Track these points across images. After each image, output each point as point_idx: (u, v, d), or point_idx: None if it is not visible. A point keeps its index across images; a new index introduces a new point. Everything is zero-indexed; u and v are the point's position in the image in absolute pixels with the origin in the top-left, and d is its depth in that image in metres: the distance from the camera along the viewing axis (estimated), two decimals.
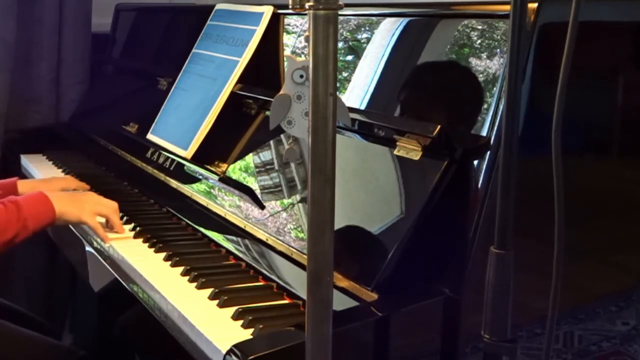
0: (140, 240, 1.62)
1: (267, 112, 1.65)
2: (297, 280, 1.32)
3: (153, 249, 1.56)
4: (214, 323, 1.22)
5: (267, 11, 1.87)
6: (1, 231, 1.49)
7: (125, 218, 1.72)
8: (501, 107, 1.17)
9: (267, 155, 1.63)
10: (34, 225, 1.54)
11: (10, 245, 1.52)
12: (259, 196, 1.54)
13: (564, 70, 0.88)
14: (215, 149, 1.79)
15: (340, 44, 1.58)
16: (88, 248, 1.70)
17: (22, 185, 1.89)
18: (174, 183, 1.89)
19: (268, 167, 1.60)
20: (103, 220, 1.65)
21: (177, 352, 1.25)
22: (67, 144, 2.55)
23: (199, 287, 1.36)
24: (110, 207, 1.65)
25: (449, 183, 1.19)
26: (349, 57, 1.57)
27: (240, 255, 1.49)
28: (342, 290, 1.21)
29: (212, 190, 1.74)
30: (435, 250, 1.20)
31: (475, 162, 1.19)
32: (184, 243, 1.60)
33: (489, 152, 1.18)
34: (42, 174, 2.24)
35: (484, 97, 1.24)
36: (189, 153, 1.83)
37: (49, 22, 2.67)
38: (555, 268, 0.91)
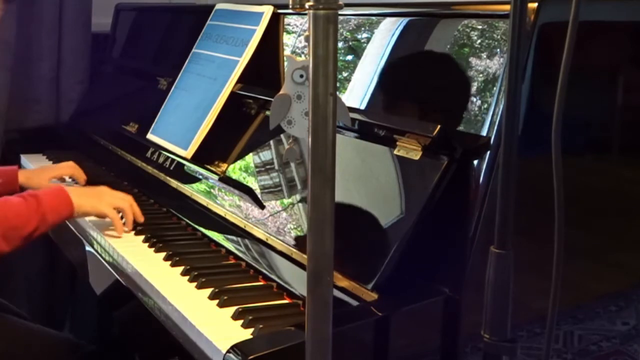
0: (140, 239, 1.62)
1: (267, 112, 1.65)
2: (297, 280, 1.32)
3: (153, 249, 1.56)
4: (214, 323, 1.22)
5: (267, 11, 1.87)
6: (22, 224, 1.52)
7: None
8: (501, 107, 1.17)
9: (267, 155, 1.63)
10: (53, 219, 1.57)
11: (30, 239, 1.54)
12: (259, 196, 1.54)
13: (564, 70, 0.87)
14: (215, 149, 1.79)
15: (340, 44, 1.58)
16: (88, 248, 1.70)
17: (21, 174, 1.92)
18: (174, 183, 1.89)
19: (268, 167, 1.60)
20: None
21: (177, 352, 1.25)
22: (67, 143, 2.55)
23: (199, 287, 1.36)
24: (126, 200, 1.68)
25: (449, 183, 1.19)
26: (349, 57, 1.57)
27: (240, 255, 1.49)
28: (342, 290, 1.21)
29: (212, 190, 1.74)
30: (435, 250, 1.20)
31: (475, 162, 1.19)
32: (184, 243, 1.60)
33: (489, 152, 1.18)
34: None
35: (484, 97, 1.24)
36: (189, 153, 1.83)
37: (49, 22, 2.66)
38: (555, 268, 0.91)
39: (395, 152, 1.30)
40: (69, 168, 2.04)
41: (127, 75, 2.68)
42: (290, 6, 0.94)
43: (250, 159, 1.67)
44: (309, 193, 0.86)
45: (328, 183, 0.86)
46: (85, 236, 1.73)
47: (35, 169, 2.10)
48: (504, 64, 1.22)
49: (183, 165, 1.86)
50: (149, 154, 2.06)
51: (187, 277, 1.40)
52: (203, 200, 1.74)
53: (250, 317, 1.20)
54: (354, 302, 1.19)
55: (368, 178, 1.35)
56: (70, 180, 2.04)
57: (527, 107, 1.19)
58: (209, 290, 1.32)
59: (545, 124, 0.93)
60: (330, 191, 0.86)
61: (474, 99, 1.26)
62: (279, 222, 1.46)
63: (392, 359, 1.13)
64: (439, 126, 1.22)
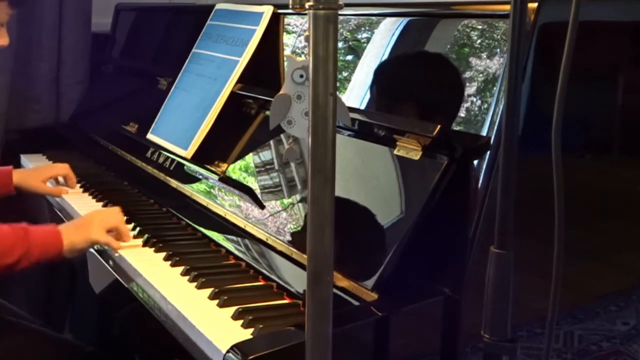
0: (141, 240, 1.62)
1: (267, 112, 1.65)
2: (297, 280, 1.32)
3: (153, 249, 1.56)
4: (214, 323, 1.22)
5: (267, 11, 1.87)
6: (5, 253, 1.47)
7: (125, 218, 1.71)
8: (501, 107, 1.17)
9: (267, 155, 1.63)
10: (38, 255, 1.51)
11: (11, 270, 1.49)
12: (259, 196, 1.54)
13: (564, 70, 0.87)
14: (215, 149, 1.79)
15: (340, 44, 1.58)
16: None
17: (16, 175, 1.93)
18: (174, 183, 1.89)
19: (268, 167, 1.60)
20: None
21: (177, 352, 1.25)
22: (67, 144, 2.55)
23: (199, 287, 1.36)
24: (115, 217, 1.62)
25: (449, 183, 1.19)
26: (349, 57, 1.57)
27: (240, 255, 1.49)
28: (342, 290, 1.21)
29: (212, 190, 1.74)
30: (435, 250, 1.20)
31: (475, 162, 1.19)
32: (184, 243, 1.60)
33: (489, 152, 1.18)
34: None
35: (484, 97, 1.24)
36: (189, 153, 1.83)
37: (49, 22, 2.67)
38: (555, 268, 0.91)
39: (395, 152, 1.30)
40: (63, 169, 2.04)
41: (127, 75, 2.68)
42: (290, 6, 0.94)
43: (250, 159, 1.67)
44: (309, 193, 0.86)
45: (328, 183, 0.86)
46: None
47: (29, 170, 2.09)
48: (504, 64, 1.22)
49: (183, 165, 1.86)
50: (149, 154, 2.06)
51: (187, 277, 1.40)
52: (203, 200, 1.74)
53: (250, 317, 1.20)
54: (354, 302, 1.19)
55: (368, 178, 1.35)
56: (62, 180, 2.05)
57: (527, 107, 1.19)
58: (209, 290, 1.32)
59: (545, 124, 0.93)
60: (330, 191, 0.86)
61: (474, 99, 1.26)
62: (279, 222, 1.46)
63: (392, 359, 1.13)
64: (439, 126, 1.22)
